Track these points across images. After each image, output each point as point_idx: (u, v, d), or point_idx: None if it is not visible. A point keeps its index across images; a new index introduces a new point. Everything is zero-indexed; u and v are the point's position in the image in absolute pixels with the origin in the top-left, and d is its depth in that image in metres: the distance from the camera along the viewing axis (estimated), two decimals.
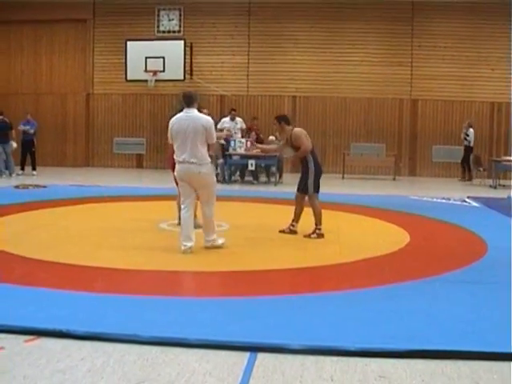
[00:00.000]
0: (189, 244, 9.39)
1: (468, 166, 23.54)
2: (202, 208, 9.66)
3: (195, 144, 9.27)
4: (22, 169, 22.26)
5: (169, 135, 9.60)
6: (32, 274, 8.07)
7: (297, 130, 11.23)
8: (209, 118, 9.49)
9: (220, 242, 9.84)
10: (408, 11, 24.73)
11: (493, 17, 23.93)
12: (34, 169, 22.30)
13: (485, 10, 24.01)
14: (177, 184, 10.60)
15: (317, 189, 11.17)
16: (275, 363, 5.26)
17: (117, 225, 12.01)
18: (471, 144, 23.47)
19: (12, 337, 5.69)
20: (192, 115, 9.37)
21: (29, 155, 22.41)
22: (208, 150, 9.49)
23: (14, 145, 21.78)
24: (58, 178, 20.92)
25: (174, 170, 11.07)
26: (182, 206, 9.62)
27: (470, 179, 23.30)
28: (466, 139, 23.56)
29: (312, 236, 10.98)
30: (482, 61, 24.47)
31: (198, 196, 9.68)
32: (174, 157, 9.51)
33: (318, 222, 11.09)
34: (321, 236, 11.00)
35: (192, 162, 9.30)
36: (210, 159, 9.51)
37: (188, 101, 9.45)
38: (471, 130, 23.52)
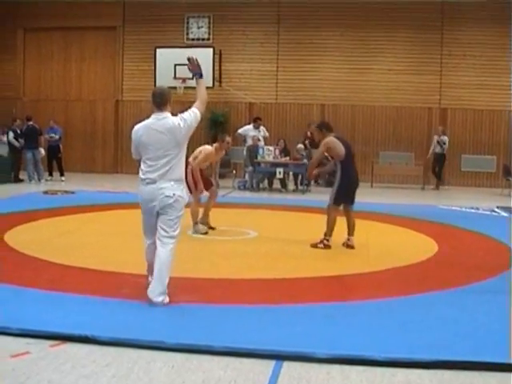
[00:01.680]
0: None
1: (439, 174, 23.60)
2: (159, 248, 7.09)
3: (170, 159, 7.00)
4: (50, 174, 22.40)
5: (133, 149, 7.26)
6: (58, 279, 8.11)
7: (327, 139, 11.12)
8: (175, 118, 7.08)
9: (167, 300, 7.00)
10: (438, 19, 24.61)
11: None
12: (61, 174, 22.40)
13: None
14: (190, 192, 10.63)
15: (347, 200, 10.97)
16: (301, 372, 5.23)
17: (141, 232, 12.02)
18: (445, 151, 23.33)
19: (38, 341, 5.71)
20: (164, 121, 7.07)
21: (55, 161, 22.54)
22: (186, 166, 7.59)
23: (43, 151, 21.91)
24: (86, 184, 21.01)
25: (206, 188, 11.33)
26: (147, 241, 7.45)
27: (438, 188, 23.30)
28: (441, 146, 23.27)
29: (319, 246, 10.84)
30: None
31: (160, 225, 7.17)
32: (142, 175, 7.15)
33: (328, 232, 10.84)
34: (327, 247, 10.79)
35: (164, 181, 7.00)
36: (184, 181, 7.25)
37: (159, 100, 7.16)
38: (446, 137, 23.36)
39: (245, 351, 5.56)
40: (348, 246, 10.92)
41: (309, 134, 22.31)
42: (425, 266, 9.65)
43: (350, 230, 11.01)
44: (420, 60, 24.84)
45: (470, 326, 6.27)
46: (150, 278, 7.23)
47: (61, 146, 22.71)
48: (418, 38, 24.78)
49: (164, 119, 7.08)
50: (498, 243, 11.68)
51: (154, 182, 6.99)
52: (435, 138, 23.52)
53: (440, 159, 23.45)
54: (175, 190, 7.02)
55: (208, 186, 12.13)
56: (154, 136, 7.01)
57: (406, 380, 5.06)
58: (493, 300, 7.45)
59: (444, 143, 23.32)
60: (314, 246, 10.84)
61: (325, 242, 10.85)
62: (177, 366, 5.30)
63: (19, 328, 5.91)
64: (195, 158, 11.67)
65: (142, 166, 7.13)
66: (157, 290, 6.90)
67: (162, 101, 7.15)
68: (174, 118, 7.09)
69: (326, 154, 11.29)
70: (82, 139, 26.25)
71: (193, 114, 7.12)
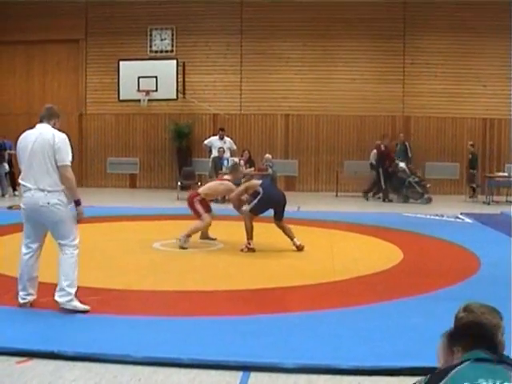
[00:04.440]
0: (28, 298, 7.39)
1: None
2: (60, 255, 7.27)
3: (43, 167, 7.10)
4: (14, 189, 22.20)
5: (18, 157, 7.43)
6: None
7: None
8: (60, 134, 7.31)
9: (81, 307, 7.15)
10: (400, 29, 24.81)
11: (483, 34, 24.04)
12: (14, 189, 22.13)
13: (475, 27, 24.11)
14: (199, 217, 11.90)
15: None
16: (268, 382, 5.24)
17: (108, 245, 11.99)
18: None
19: (4, 358, 5.67)
20: (41, 131, 7.29)
21: (8, 176, 22.24)
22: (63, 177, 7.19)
23: (7, 166, 21.70)
24: None
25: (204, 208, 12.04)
26: (24, 250, 7.45)
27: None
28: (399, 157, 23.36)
29: (244, 250, 11.44)
30: (474, 77, 24.54)
31: (52, 235, 7.40)
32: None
33: (249, 237, 11.59)
34: (251, 250, 11.44)
35: (38, 190, 7.09)
36: (61, 187, 7.14)
37: (43, 114, 7.50)
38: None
39: (212, 363, 5.56)
40: (298, 247, 11.54)
41: (383, 147, 22.21)
42: (390, 274, 9.71)
43: (291, 235, 11.71)
44: (383, 69, 25.02)
45: (436, 333, 6.28)
46: None
47: (13, 160, 22.47)
48: (380, 48, 24.97)
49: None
50: (462, 249, 11.79)
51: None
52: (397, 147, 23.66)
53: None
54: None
55: (208, 209, 12.43)
56: None
57: None
58: (458, 306, 7.51)
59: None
60: (242, 250, 11.48)
61: (247, 246, 11.53)
62: (144, 379, 5.29)
63: None
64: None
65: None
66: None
67: (44, 114, 7.53)
68: (52, 131, 7.34)
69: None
70: None
71: (63, 158, 7.21)
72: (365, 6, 24.45)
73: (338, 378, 5.27)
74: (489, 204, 20.92)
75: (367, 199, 21.89)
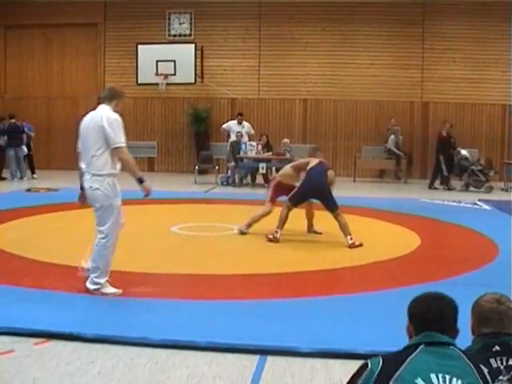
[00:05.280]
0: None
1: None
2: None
3: (91, 150, 7.12)
4: (33, 172, 22.32)
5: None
6: (43, 277, 8.10)
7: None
8: (111, 115, 7.17)
9: (111, 291, 7.24)
10: (419, 14, 24.64)
11: (502, 19, 23.83)
12: (33, 172, 22.31)
13: (494, 12, 23.91)
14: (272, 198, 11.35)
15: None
16: (285, 366, 5.27)
17: (126, 228, 12.02)
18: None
19: (23, 340, 5.72)
20: (95, 113, 7.34)
21: (26, 159, 22.37)
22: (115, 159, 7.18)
23: (25, 149, 21.77)
24: (69, 181, 20.90)
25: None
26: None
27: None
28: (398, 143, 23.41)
29: (270, 237, 11.03)
30: (493, 63, 24.36)
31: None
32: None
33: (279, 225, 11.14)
34: (275, 240, 10.95)
35: (87, 173, 7.20)
36: (110, 171, 7.15)
37: (104, 95, 7.56)
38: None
39: (229, 346, 5.59)
40: (350, 245, 10.80)
41: (444, 133, 21.97)
42: (407, 260, 9.71)
43: (344, 231, 11.07)
44: (402, 54, 24.87)
45: None
46: None
47: (31, 144, 22.56)
48: (399, 32, 24.80)
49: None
50: (480, 236, 11.76)
51: None
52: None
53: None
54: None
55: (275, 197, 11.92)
56: None
57: None
58: (475, 293, 7.45)
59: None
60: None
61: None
62: (161, 362, 5.32)
63: (4, 327, 5.93)
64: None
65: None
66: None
67: (103, 96, 7.56)
68: (103, 111, 7.33)
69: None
70: (64, 136, 26.07)
71: (115, 140, 7.12)
72: None
73: (354, 362, 5.28)
74: (507, 191, 20.80)
75: (435, 188, 21.35)
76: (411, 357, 3.05)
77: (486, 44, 24.24)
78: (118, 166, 7.22)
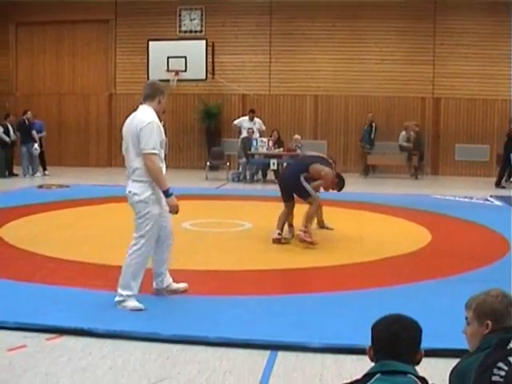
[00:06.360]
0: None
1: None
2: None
3: (130, 154, 6.81)
4: (45, 169, 22.35)
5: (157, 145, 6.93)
6: (54, 273, 8.14)
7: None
8: (144, 119, 6.70)
9: (133, 307, 6.60)
10: (430, 9, 24.57)
11: None
12: (44, 169, 22.35)
13: (505, 8, 23.82)
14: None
15: None
16: (295, 362, 5.28)
17: None
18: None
19: (34, 335, 5.75)
20: (134, 115, 6.91)
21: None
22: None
23: (37, 146, 21.77)
24: (80, 177, 20.99)
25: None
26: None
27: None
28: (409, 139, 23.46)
29: (302, 236, 10.39)
30: (505, 58, 24.25)
31: None
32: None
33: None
34: (311, 243, 10.33)
35: (128, 177, 6.87)
36: (149, 178, 6.70)
37: (146, 92, 7.00)
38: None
39: (240, 342, 5.61)
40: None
41: None
42: (418, 256, 9.70)
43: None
44: (413, 50, 24.81)
45: (462, 315, 6.30)
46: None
47: (43, 141, 22.57)
48: (410, 28, 24.74)
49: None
50: (491, 232, 11.72)
51: None
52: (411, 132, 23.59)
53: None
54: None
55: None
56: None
57: None
58: (485, 289, 7.49)
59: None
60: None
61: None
62: (172, 357, 5.34)
63: (16, 322, 5.96)
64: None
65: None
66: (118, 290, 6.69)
67: (144, 93, 6.98)
68: (141, 113, 6.84)
69: None
70: (75, 133, 26.17)
71: (144, 144, 6.66)
72: None
73: (365, 358, 5.28)
74: None
75: (504, 187, 20.95)
76: None
77: (497, 40, 24.13)
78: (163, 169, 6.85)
